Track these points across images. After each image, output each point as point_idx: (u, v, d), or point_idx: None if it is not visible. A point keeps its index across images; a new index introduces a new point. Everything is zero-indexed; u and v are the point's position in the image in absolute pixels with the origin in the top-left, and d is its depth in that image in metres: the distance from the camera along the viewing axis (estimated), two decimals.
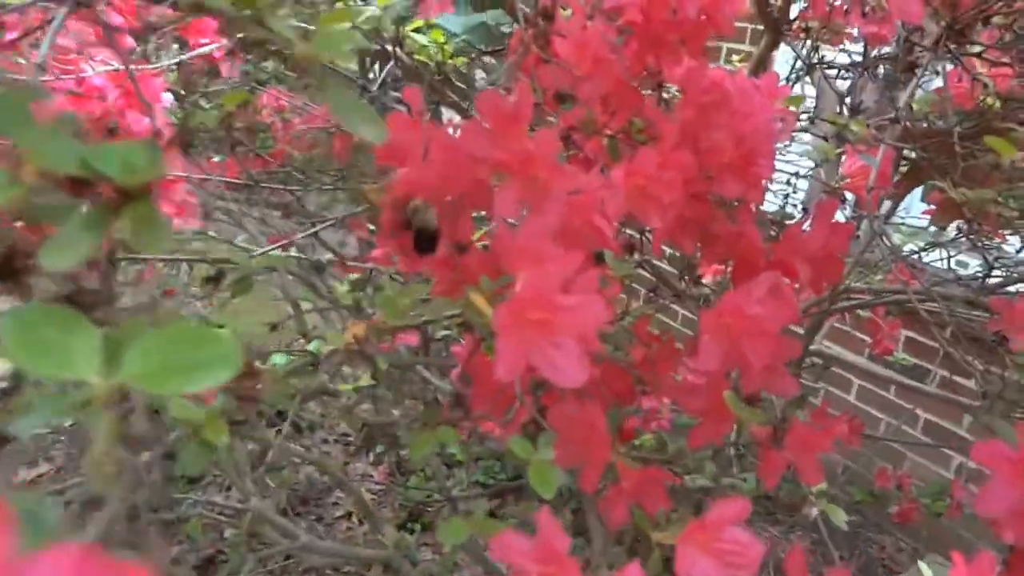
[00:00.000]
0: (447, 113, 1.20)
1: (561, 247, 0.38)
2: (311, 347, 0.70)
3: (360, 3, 0.86)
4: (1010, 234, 0.99)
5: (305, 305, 1.39)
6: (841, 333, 2.18)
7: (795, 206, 1.59)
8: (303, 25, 0.29)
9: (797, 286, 0.54)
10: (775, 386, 0.50)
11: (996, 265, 1.03)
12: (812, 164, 1.08)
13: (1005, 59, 0.97)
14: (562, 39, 0.53)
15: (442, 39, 0.94)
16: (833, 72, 1.21)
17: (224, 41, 0.88)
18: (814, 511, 0.80)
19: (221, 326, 1.01)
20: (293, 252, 0.99)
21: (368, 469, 2.03)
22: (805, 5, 1.09)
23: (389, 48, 0.88)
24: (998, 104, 0.99)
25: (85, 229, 0.21)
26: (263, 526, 0.95)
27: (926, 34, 0.90)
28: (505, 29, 2.26)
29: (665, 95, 0.57)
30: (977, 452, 0.43)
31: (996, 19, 0.90)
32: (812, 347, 1.33)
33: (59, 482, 1.76)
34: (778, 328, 0.46)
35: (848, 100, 1.17)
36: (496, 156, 0.43)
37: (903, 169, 1.20)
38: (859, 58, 1.17)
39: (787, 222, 0.78)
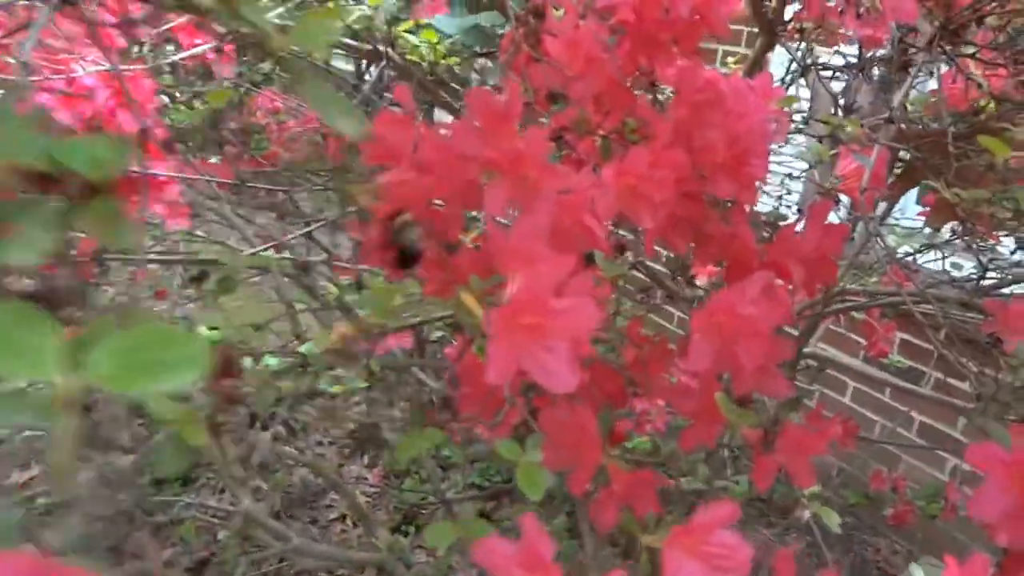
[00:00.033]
0: (439, 114, 1.20)
1: (551, 247, 0.38)
2: (303, 348, 0.69)
3: (351, 2, 0.86)
4: (1004, 235, 0.99)
5: (301, 306, 1.38)
6: (836, 335, 2.18)
7: (789, 207, 1.59)
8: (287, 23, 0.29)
9: (791, 287, 0.53)
10: (767, 387, 0.50)
11: (990, 267, 1.03)
12: (806, 165, 1.08)
13: (999, 60, 0.97)
14: (553, 38, 0.52)
15: (435, 39, 0.94)
16: (828, 73, 1.21)
17: (214, 41, 0.88)
18: (807, 514, 0.80)
19: (215, 328, 1.00)
20: (286, 253, 0.99)
21: (363, 471, 2.02)
22: (800, 6, 1.09)
23: (382, 48, 0.88)
24: (992, 105, 0.99)
25: (47, 225, 0.21)
26: (255, 528, 0.94)
27: (920, 34, 0.89)
28: (500, 31, 2.26)
29: (659, 96, 0.57)
30: (971, 454, 0.43)
31: (990, 20, 0.90)
32: (807, 349, 1.33)
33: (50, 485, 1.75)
34: (771, 328, 0.46)
35: (842, 101, 1.17)
36: (486, 154, 0.42)
37: (897, 170, 1.20)
38: (854, 59, 1.17)
39: (781, 223, 0.78)
